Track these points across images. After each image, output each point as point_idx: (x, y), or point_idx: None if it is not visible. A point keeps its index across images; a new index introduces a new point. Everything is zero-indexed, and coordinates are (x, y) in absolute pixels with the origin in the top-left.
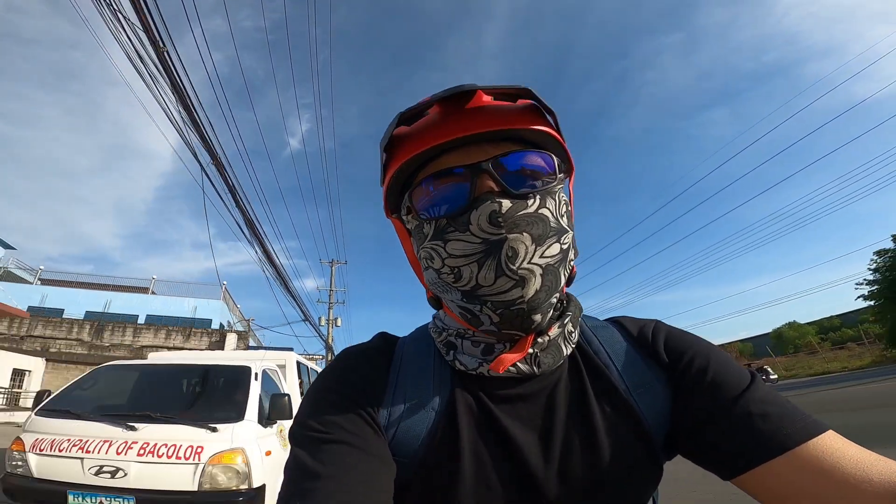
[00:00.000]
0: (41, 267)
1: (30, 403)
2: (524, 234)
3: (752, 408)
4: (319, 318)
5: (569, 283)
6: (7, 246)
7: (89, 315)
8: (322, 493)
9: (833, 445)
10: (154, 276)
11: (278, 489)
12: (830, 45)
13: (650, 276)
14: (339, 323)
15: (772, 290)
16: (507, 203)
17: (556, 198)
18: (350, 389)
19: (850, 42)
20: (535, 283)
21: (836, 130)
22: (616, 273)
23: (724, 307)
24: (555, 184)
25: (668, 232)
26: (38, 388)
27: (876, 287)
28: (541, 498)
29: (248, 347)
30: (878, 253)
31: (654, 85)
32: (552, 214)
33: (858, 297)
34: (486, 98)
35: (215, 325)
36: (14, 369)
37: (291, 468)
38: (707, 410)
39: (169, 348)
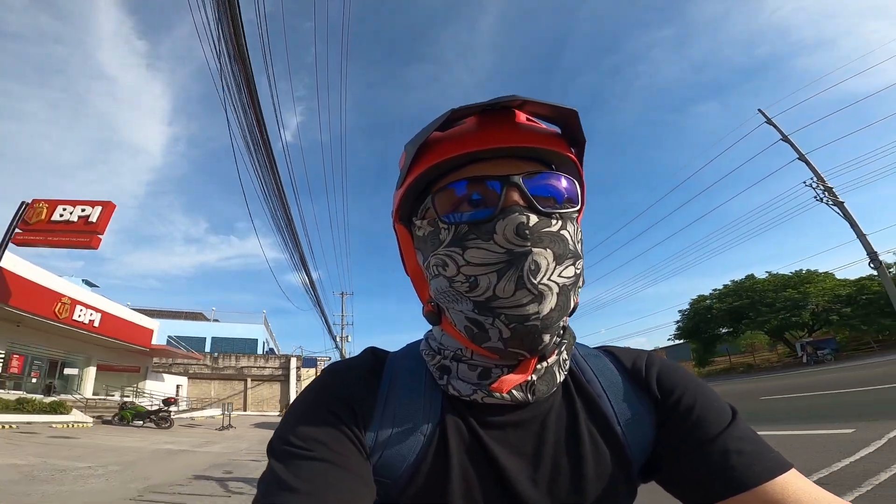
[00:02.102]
0: (128, 303)
1: (184, 405)
2: (547, 249)
3: (729, 444)
4: (335, 337)
5: (571, 312)
6: (92, 285)
7: (170, 339)
8: None
9: (795, 484)
10: (213, 308)
11: None
12: (822, 40)
13: (642, 270)
14: (349, 339)
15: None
16: (533, 218)
17: (575, 224)
18: (336, 406)
19: (842, 37)
20: (552, 301)
21: (828, 122)
22: (609, 270)
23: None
24: (574, 210)
25: (660, 227)
26: (186, 396)
27: (679, 332)
28: None
29: (304, 362)
30: (681, 311)
31: (646, 78)
32: (571, 238)
33: (670, 337)
34: (523, 116)
35: (260, 344)
36: (176, 385)
37: (267, 481)
38: (688, 444)
39: (257, 367)
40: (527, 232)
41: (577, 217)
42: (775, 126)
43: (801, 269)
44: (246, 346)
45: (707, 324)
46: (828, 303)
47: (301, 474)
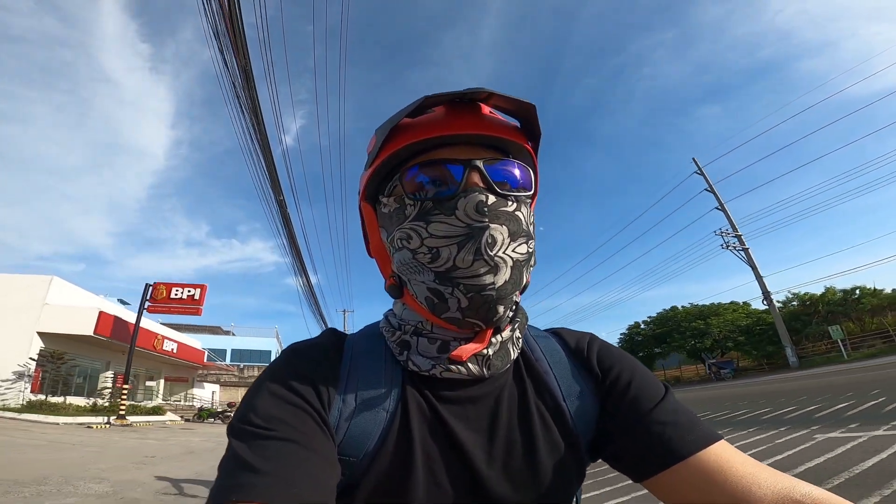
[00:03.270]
0: (160, 322)
1: (219, 408)
2: (503, 226)
3: (663, 417)
4: None
5: (522, 290)
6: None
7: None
8: (260, 488)
9: (725, 454)
10: (233, 323)
11: None
12: (824, 42)
13: (642, 273)
14: None
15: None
16: (492, 198)
17: (528, 208)
18: (298, 385)
19: (844, 39)
20: (506, 274)
21: (828, 129)
22: (610, 272)
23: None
24: (528, 194)
25: (659, 229)
26: (219, 400)
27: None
28: (486, 494)
29: None
30: (621, 335)
31: (649, 80)
32: (524, 219)
33: None
34: (486, 109)
35: (273, 355)
36: (211, 391)
37: (228, 463)
38: (627, 419)
39: None
40: (485, 209)
41: (531, 203)
42: (704, 176)
43: (715, 302)
44: (261, 357)
45: (637, 346)
46: (728, 332)
47: (264, 454)
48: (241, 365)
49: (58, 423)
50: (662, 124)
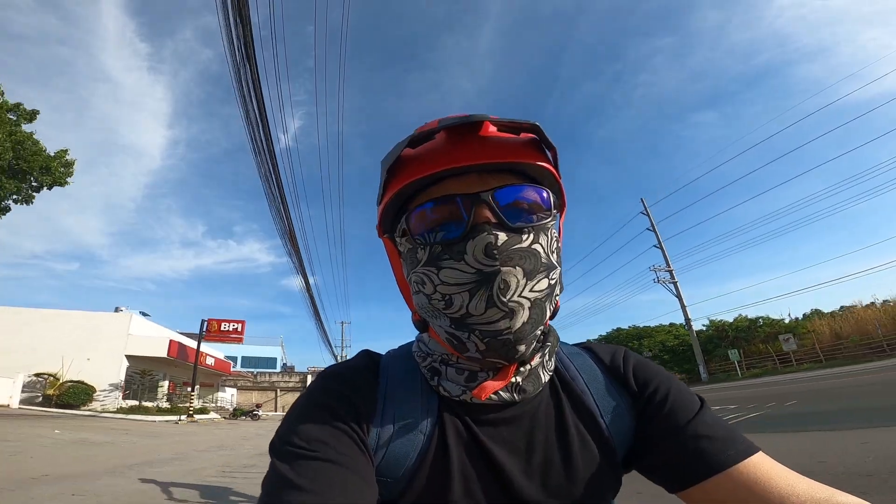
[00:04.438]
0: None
1: (246, 408)
2: (517, 267)
3: (700, 430)
4: (336, 357)
5: (552, 316)
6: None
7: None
8: None
9: (765, 465)
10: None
11: None
12: (820, 48)
13: (635, 274)
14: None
15: (755, 291)
16: (502, 236)
17: (549, 234)
18: (337, 407)
19: (840, 44)
20: (523, 316)
21: (827, 135)
22: (606, 274)
23: (708, 308)
24: (548, 220)
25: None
26: (236, 403)
27: None
28: None
29: None
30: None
31: (647, 87)
32: (544, 250)
33: None
34: (492, 129)
35: (279, 363)
36: (231, 394)
37: (271, 481)
38: (663, 432)
39: (283, 381)
40: (495, 252)
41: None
42: (649, 216)
43: (651, 325)
44: (268, 364)
45: None
46: (658, 352)
47: (307, 474)
48: (255, 371)
49: (154, 421)
50: (659, 130)
